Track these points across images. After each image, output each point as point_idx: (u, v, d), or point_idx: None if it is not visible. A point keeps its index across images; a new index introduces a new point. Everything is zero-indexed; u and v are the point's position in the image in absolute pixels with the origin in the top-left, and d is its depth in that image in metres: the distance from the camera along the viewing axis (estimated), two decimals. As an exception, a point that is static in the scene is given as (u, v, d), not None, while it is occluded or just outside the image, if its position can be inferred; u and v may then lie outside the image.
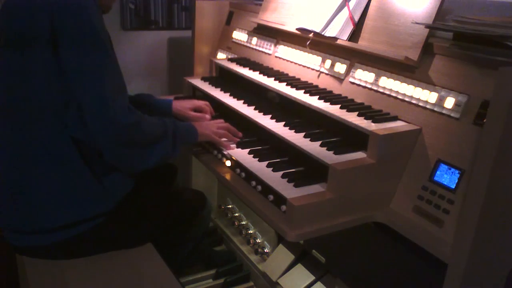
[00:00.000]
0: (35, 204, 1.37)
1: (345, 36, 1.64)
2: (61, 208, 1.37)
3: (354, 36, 1.64)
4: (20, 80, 1.32)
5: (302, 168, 1.44)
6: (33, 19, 1.25)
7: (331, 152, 1.36)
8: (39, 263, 1.42)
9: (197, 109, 1.83)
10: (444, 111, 1.31)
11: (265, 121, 1.60)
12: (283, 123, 1.58)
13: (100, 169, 1.41)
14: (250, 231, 2.26)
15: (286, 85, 1.74)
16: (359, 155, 1.36)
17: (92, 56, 1.27)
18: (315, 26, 1.73)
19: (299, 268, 1.94)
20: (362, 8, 1.63)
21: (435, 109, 1.33)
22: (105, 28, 1.33)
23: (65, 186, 1.37)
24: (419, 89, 1.39)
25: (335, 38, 1.64)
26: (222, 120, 1.72)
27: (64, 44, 1.25)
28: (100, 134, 1.29)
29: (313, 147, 1.40)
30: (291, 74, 1.89)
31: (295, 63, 1.91)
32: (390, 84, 1.48)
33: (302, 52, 1.88)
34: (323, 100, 1.57)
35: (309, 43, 1.78)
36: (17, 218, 1.40)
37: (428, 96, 1.35)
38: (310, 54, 1.83)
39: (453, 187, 1.23)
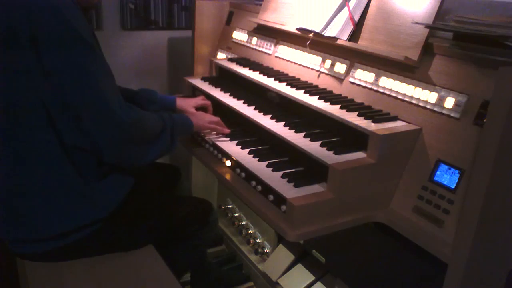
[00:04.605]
0: (29, 213, 1.35)
1: (345, 36, 1.64)
2: (56, 217, 1.35)
3: (354, 36, 1.64)
4: (6, 81, 1.27)
5: (302, 168, 1.44)
6: (11, 19, 1.20)
7: (331, 152, 1.36)
8: (39, 265, 1.41)
9: (199, 107, 1.84)
10: (444, 111, 1.31)
11: (265, 121, 1.60)
12: (283, 123, 1.58)
13: (93, 175, 1.38)
14: (250, 231, 2.26)
15: (286, 85, 1.74)
16: (359, 155, 1.36)
17: (77, 55, 1.22)
18: (315, 26, 1.73)
19: (299, 268, 1.94)
20: (362, 8, 1.63)
21: (435, 109, 1.33)
22: (87, 26, 1.27)
23: (59, 195, 1.35)
24: (419, 89, 1.39)
25: (335, 38, 1.64)
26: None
27: (44, 45, 1.19)
28: (102, 134, 1.28)
29: (313, 147, 1.40)
30: (291, 74, 1.89)
31: (295, 63, 1.91)
32: (390, 84, 1.48)
33: (302, 52, 1.88)
34: (323, 100, 1.57)
35: (309, 43, 1.78)
36: (13, 228, 1.38)
37: (428, 96, 1.35)
38: (310, 54, 1.82)
39: (453, 187, 1.23)
